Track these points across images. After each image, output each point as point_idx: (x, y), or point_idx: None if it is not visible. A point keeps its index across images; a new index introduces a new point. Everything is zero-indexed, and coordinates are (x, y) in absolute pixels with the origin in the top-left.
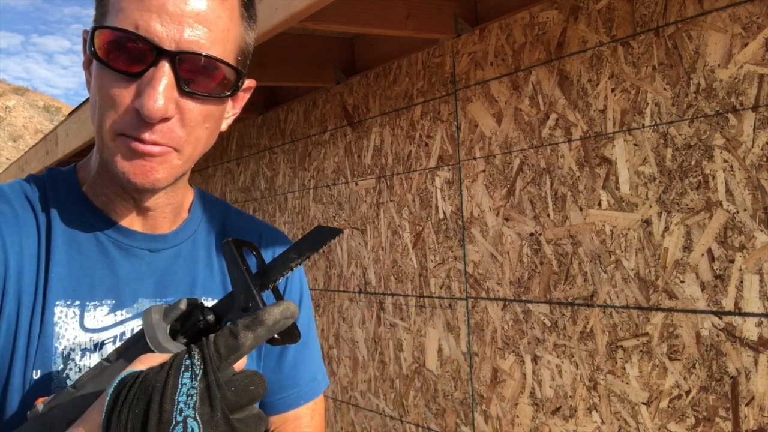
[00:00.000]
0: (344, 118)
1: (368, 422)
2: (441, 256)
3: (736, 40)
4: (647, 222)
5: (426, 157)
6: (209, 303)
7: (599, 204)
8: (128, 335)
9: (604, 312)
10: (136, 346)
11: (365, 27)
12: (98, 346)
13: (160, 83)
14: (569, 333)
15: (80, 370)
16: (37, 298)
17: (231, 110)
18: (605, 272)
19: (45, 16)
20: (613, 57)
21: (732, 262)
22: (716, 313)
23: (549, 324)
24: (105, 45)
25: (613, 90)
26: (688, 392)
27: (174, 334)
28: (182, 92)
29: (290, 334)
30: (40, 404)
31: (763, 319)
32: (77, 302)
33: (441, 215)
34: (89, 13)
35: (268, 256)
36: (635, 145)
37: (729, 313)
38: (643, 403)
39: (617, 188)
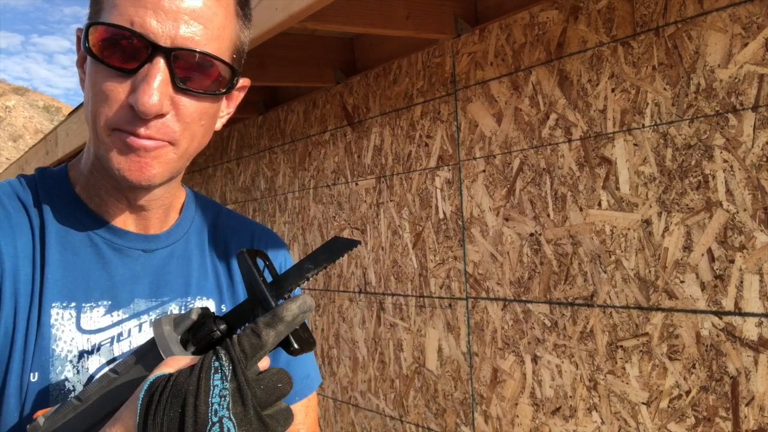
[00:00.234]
0: (344, 118)
1: (368, 422)
2: (441, 256)
3: (736, 40)
4: (647, 222)
5: (426, 157)
6: (205, 303)
7: (599, 204)
8: (125, 336)
9: (604, 312)
10: (149, 355)
11: (365, 27)
12: (96, 347)
13: (155, 79)
14: (569, 333)
15: (78, 372)
16: (33, 300)
17: (225, 109)
18: (605, 272)
19: (45, 16)
20: (613, 57)
21: (732, 262)
22: (716, 313)
23: (549, 324)
24: (100, 42)
25: (613, 90)
26: (688, 392)
27: (184, 344)
28: (177, 89)
29: (307, 342)
30: (40, 417)
31: (763, 319)
32: (73, 304)
33: (441, 215)
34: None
35: None
36: (635, 145)
37: (729, 313)
38: (643, 403)
39: (617, 188)
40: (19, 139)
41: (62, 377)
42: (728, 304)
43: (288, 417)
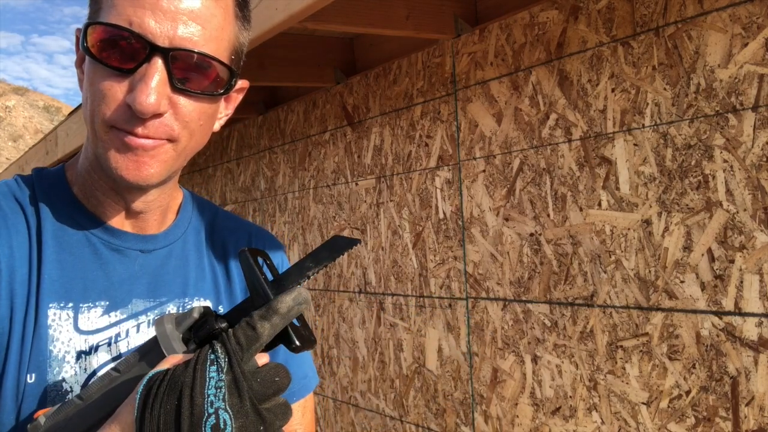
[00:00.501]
0: (344, 118)
1: (368, 422)
2: (441, 256)
3: (736, 40)
4: (647, 222)
5: (426, 157)
6: (203, 303)
7: (599, 204)
8: (123, 336)
9: (604, 312)
10: (151, 353)
11: (365, 27)
12: (93, 348)
13: (153, 79)
14: (569, 333)
15: (75, 373)
16: (30, 300)
17: (224, 110)
18: (605, 272)
19: (45, 16)
20: (613, 57)
21: (732, 262)
22: (716, 313)
23: (549, 324)
24: (98, 42)
25: (613, 90)
26: (688, 392)
27: (186, 342)
28: (175, 89)
29: (308, 340)
30: (41, 416)
31: (763, 319)
32: (71, 304)
33: (441, 215)
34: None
35: None
36: (635, 145)
37: (729, 313)
38: (643, 403)
39: (617, 188)
40: (19, 139)
41: (59, 378)
42: (728, 304)
43: (286, 412)
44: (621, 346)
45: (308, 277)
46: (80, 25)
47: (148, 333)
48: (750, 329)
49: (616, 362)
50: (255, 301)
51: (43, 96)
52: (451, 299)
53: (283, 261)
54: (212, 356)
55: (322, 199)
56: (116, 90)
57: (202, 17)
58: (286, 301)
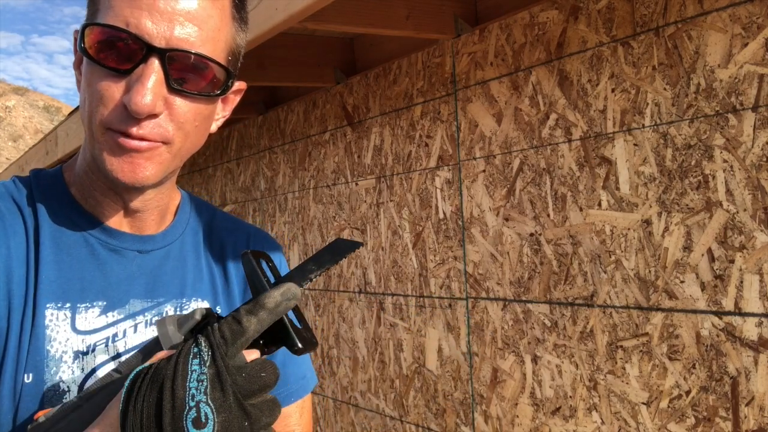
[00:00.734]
0: (344, 118)
1: (368, 422)
2: (441, 256)
3: (736, 40)
4: (647, 222)
5: (426, 157)
6: (200, 304)
7: (599, 204)
8: (120, 336)
9: (604, 312)
10: (151, 355)
11: (365, 27)
12: (91, 348)
13: (149, 80)
14: (569, 333)
15: (73, 373)
16: (28, 300)
17: (221, 112)
18: (605, 272)
19: (45, 16)
20: (613, 57)
21: (732, 262)
22: (716, 313)
23: (549, 324)
24: (95, 43)
25: (613, 90)
26: (688, 392)
27: None
28: (171, 89)
29: (310, 342)
30: (40, 417)
31: (763, 319)
32: (68, 304)
33: (441, 215)
34: None
35: None
36: (635, 145)
37: (729, 313)
38: (643, 403)
39: (617, 188)
40: (19, 139)
41: (57, 378)
42: (728, 304)
43: (274, 409)
44: (621, 346)
45: (310, 280)
46: (79, 27)
47: (145, 333)
48: (750, 329)
49: (616, 362)
50: None
51: (43, 96)
52: (451, 299)
53: (281, 262)
54: (195, 349)
55: (322, 199)
56: (113, 90)
57: (198, 18)
58: (274, 296)
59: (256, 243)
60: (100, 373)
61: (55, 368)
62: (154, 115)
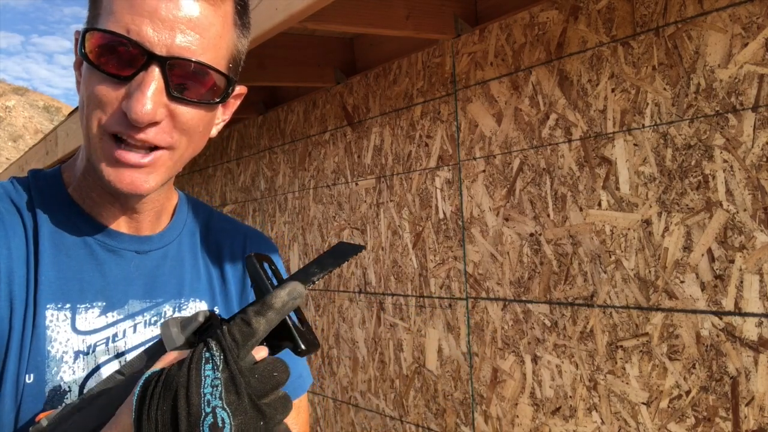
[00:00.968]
0: (344, 118)
1: (368, 422)
2: (441, 256)
3: (736, 40)
4: (647, 222)
5: (426, 157)
6: (198, 304)
7: (599, 204)
8: (120, 336)
9: (604, 312)
10: (155, 357)
11: (365, 27)
12: (91, 348)
13: (149, 88)
14: (569, 333)
15: (74, 373)
16: (28, 301)
17: (221, 116)
18: (605, 272)
19: (45, 16)
20: (613, 57)
21: (732, 262)
22: (716, 313)
23: (549, 324)
24: (96, 48)
25: (613, 90)
26: (688, 392)
27: (190, 346)
28: (172, 97)
29: (312, 343)
30: (43, 419)
31: (763, 319)
32: (68, 305)
33: (441, 215)
34: None
35: None
36: (635, 145)
37: (729, 313)
38: (643, 403)
39: (617, 188)
40: (19, 139)
41: (58, 378)
42: (728, 304)
43: (286, 405)
44: (621, 346)
45: (313, 282)
46: (80, 27)
47: (145, 333)
48: (750, 329)
49: (616, 362)
50: None
51: (43, 96)
52: (451, 299)
53: (278, 263)
54: (207, 354)
55: (322, 199)
56: (112, 96)
57: (200, 26)
58: (281, 296)
59: (252, 244)
60: (105, 372)
61: (55, 368)
62: (155, 123)
